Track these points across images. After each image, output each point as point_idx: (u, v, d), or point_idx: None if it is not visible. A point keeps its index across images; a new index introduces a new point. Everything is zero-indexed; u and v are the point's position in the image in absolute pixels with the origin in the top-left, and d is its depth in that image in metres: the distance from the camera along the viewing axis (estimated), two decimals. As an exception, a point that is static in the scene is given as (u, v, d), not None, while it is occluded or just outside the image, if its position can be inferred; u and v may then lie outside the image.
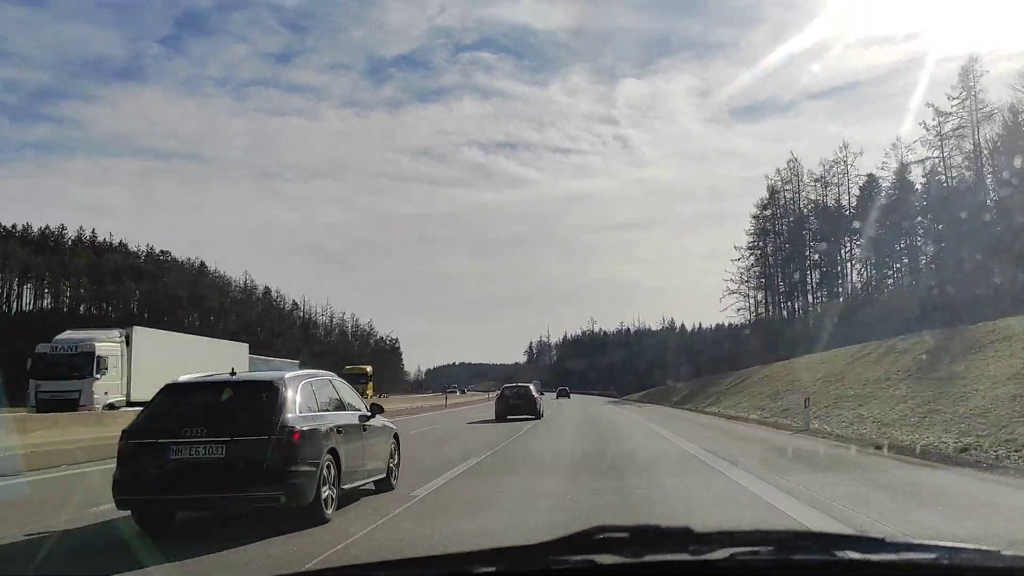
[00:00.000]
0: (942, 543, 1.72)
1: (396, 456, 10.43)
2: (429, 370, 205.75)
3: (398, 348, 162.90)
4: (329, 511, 7.83)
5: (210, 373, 8.81)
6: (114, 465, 7.47)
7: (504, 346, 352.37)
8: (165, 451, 7.27)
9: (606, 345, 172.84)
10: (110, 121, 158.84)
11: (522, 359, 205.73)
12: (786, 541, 1.74)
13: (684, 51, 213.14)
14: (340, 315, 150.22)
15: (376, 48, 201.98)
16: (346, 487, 8.45)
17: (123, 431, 7.70)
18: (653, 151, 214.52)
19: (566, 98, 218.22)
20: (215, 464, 7.18)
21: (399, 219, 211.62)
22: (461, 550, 1.78)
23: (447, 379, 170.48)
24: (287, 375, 8.41)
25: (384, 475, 9.93)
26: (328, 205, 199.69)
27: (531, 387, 33.53)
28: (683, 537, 1.70)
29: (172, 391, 8.13)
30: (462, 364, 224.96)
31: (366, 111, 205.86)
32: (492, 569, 1.63)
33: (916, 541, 1.76)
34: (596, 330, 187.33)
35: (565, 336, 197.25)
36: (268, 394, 7.77)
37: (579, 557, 1.65)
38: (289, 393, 7.81)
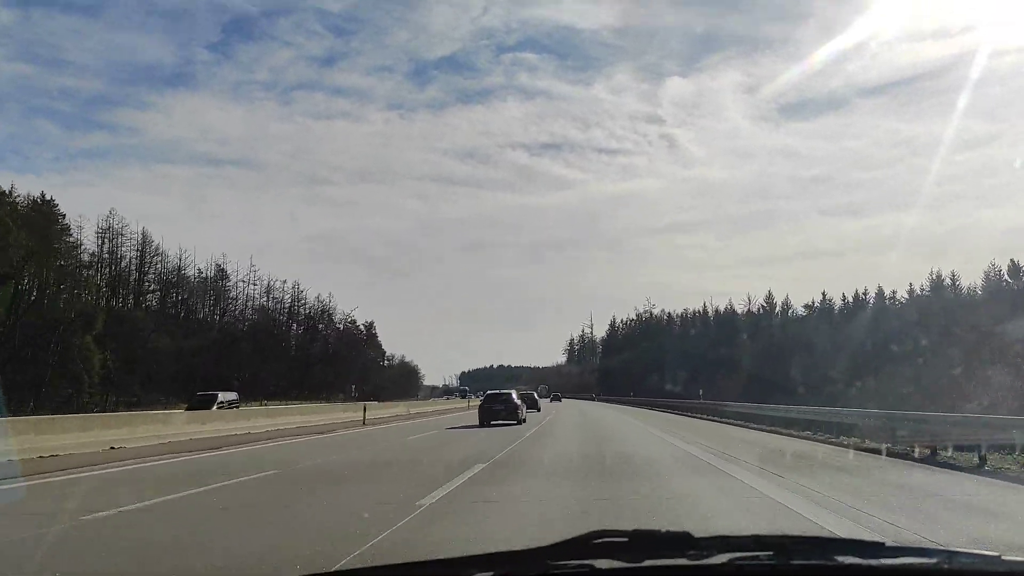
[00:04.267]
0: (942, 547, 1.71)
1: (532, 410, 41.60)
2: (464, 372, 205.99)
3: (375, 333, 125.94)
4: (523, 424, 29.30)
5: (498, 390, 34.65)
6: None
7: (546, 348, 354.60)
8: (491, 408, 30.65)
9: (671, 333, 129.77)
10: (163, 128, 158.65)
11: (562, 359, 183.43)
12: (785, 546, 1.73)
13: (730, 48, 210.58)
14: (279, 283, 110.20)
15: (419, 50, 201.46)
16: (521, 419, 31.12)
17: (480, 404, 33.23)
18: (700, 150, 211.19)
19: (611, 97, 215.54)
20: (502, 411, 30.21)
21: (444, 223, 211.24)
22: (462, 553, 1.77)
23: (478, 382, 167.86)
24: (512, 389, 35.23)
25: (524, 417, 32.20)
26: (374, 209, 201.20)
27: (534, 393, 54.38)
28: (681, 542, 1.70)
29: (489, 394, 33.34)
30: (499, 367, 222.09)
31: (410, 113, 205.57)
32: (490, 574, 1.63)
33: (916, 546, 1.76)
34: (657, 313, 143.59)
35: (614, 323, 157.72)
36: (510, 394, 32.32)
37: (577, 562, 1.65)
38: (514, 393, 32.80)
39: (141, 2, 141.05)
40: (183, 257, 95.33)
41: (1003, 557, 1.68)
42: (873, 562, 1.66)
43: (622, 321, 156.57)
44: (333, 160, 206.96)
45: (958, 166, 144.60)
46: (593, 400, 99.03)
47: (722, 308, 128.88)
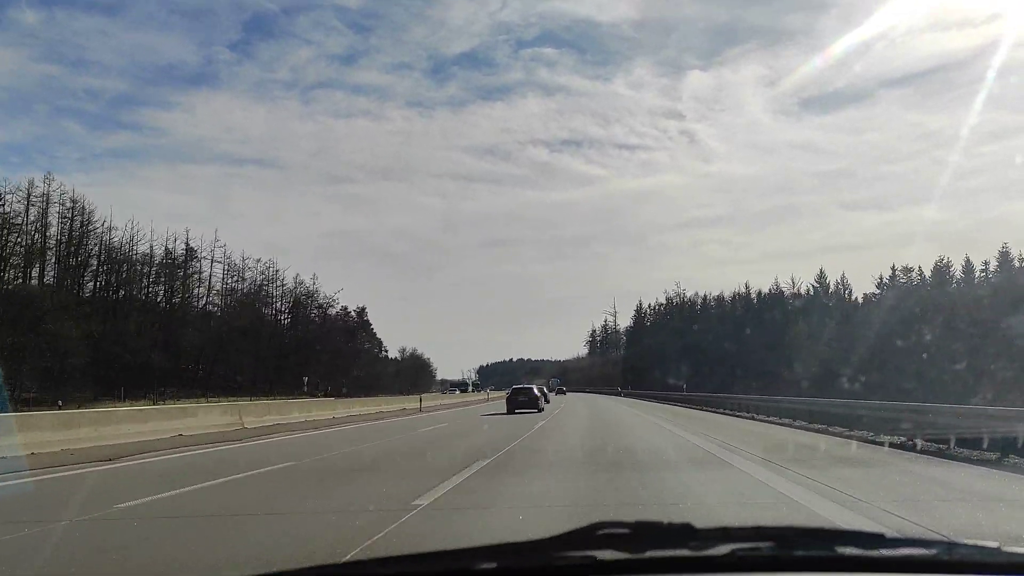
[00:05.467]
0: (942, 539, 1.72)
1: (545, 401, 45.48)
2: (483, 366, 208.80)
3: (367, 320, 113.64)
4: (543, 411, 36.69)
5: (521, 384, 48.01)
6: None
7: (566, 342, 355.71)
8: (516, 399, 38.46)
9: (706, 318, 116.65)
10: (187, 127, 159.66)
11: (584, 351, 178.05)
12: (786, 537, 1.75)
13: (751, 40, 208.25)
14: (252, 262, 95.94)
15: (438, 46, 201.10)
16: (542, 407, 38.96)
17: (507, 395, 40.85)
18: (721, 145, 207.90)
19: (631, 92, 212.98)
20: (527, 401, 37.86)
21: (465, 220, 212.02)
22: (465, 545, 1.79)
23: (497, 376, 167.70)
24: (534, 383, 49.61)
25: (543, 407, 39.67)
26: (395, 207, 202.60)
27: (544, 387, 58.51)
28: (683, 533, 1.71)
29: (514, 388, 42.44)
30: (519, 360, 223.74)
31: (429, 111, 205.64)
32: (494, 565, 1.65)
33: (916, 536, 1.77)
34: (690, 297, 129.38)
35: (640, 309, 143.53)
36: (531, 388, 41.44)
37: (580, 553, 1.66)
38: (535, 387, 42.63)
39: (162, 1, 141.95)
40: (135, 231, 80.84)
41: (1002, 548, 1.70)
42: (873, 553, 1.68)
43: (650, 306, 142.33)
44: (354, 158, 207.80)
45: (983, 158, 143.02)
46: (619, 395, 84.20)
47: (765, 290, 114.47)
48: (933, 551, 1.68)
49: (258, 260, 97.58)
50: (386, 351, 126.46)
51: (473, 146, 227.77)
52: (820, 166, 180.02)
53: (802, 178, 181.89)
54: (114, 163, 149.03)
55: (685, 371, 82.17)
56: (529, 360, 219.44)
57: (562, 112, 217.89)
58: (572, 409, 41.40)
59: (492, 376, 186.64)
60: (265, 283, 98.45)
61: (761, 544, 1.68)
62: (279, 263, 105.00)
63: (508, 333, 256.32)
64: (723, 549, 1.65)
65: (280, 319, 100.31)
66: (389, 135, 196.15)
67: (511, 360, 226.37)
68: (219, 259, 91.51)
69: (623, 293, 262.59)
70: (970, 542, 1.72)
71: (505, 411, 36.75)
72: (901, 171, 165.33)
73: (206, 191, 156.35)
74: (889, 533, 1.77)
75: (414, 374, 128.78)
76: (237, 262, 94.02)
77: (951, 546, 1.70)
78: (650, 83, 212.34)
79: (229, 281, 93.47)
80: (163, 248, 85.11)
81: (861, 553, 1.67)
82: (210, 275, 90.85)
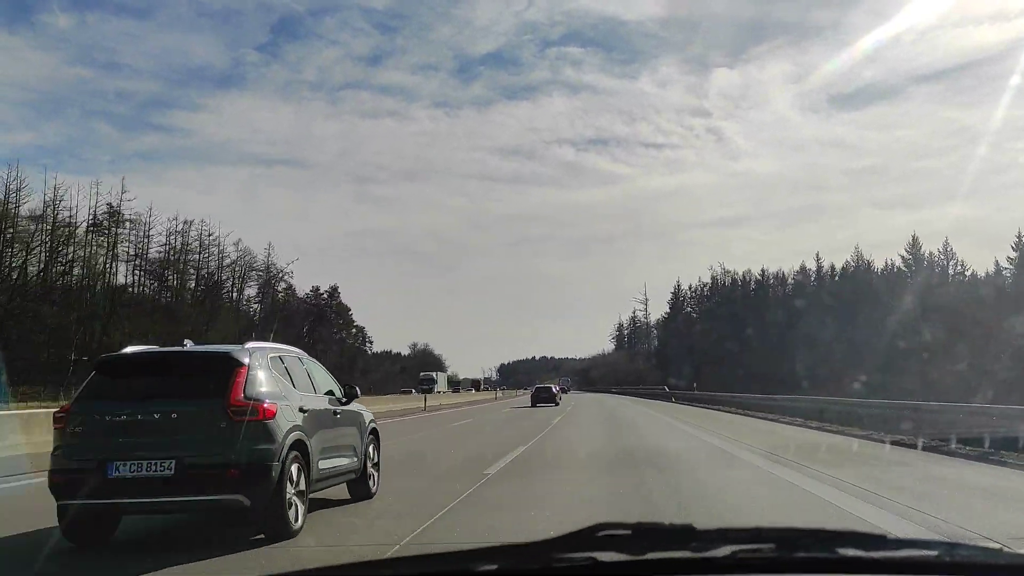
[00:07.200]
0: (944, 540, 1.72)
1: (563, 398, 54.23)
2: (504, 364, 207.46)
3: (343, 303, 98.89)
4: (558, 407, 44.01)
5: (543, 384, 55.88)
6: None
7: (591, 339, 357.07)
8: (538, 395, 47.13)
9: (764, 302, 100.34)
10: (215, 129, 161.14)
11: (609, 347, 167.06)
12: (787, 538, 1.74)
13: (778, 37, 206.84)
14: (180, 225, 73.84)
15: (464, 46, 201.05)
16: (558, 402, 47.22)
17: (532, 392, 49.79)
18: (748, 143, 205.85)
19: (657, 90, 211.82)
20: (546, 397, 46.47)
21: (490, 219, 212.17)
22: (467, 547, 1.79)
23: (518, 374, 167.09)
24: (549, 382, 60.81)
25: (559, 401, 47.63)
26: (420, 207, 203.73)
27: (555, 386, 59.15)
28: (684, 534, 1.71)
29: (537, 387, 52.68)
30: (541, 358, 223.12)
31: (455, 110, 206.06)
32: (494, 567, 1.64)
33: (918, 538, 1.77)
34: (742, 275, 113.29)
35: (678, 291, 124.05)
36: (551, 387, 51.17)
37: (581, 555, 1.66)
38: (553, 386, 53.25)
39: (191, 4, 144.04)
40: (20, 183, 56.53)
41: (1005, 549, 1.69)
42: (875, 554, 1.67)
43: (690, 287, 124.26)
44: (380, 159, 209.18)
45: (1018, 154, 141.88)
46: (670, 400, 52.80)
47: (838, 265, 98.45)
48: (934, 552, 1.68)
49: (188, 222, 74.76)
50: (371, 341, 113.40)
51: (499, 146, 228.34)
52: (850, 163, 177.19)
53: (831, 175, 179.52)
54: (144, 165, 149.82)
55: (735, 366, 68.50)
56: (552, 358, 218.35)
57: (588, 111, 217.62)
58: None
59: (515, 374, 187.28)
60: (197, 251, 76.77)
61: (762, 545, 1.68)
62: (215, 227, 79.89)
63: (531, 331, 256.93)
64: (724, 551, 1.65)
65: (207, 294, 79.04)
66: (415, 135, 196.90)
67: (533, 358, 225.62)
68: (129, 217, 67.42)
69: (649, 290, 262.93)
70: (972, 544, 1.72)
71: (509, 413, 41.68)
72: (933, 167, 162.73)
73: (235, 192, 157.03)
74: (891, 534, 1.77)
75: (418, 372, 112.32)
76: (163, 223, 74.72)
77: (953, 547, 1.69)
78: (676, 81, 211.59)
79: (150, 248, 71.40)
80: (48, 203, 59.87)
81: (862, 555, 1.66)
82: (115, 237, 67.23)
